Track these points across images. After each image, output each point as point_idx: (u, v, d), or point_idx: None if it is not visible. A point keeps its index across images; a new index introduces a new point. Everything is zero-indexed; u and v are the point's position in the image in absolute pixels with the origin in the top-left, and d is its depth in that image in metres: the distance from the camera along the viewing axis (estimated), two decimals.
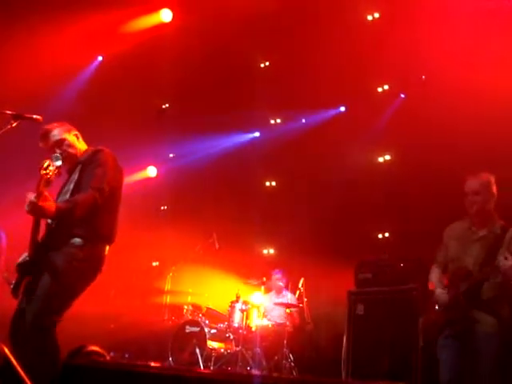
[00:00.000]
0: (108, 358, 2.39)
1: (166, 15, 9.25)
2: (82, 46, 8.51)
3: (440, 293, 4.42)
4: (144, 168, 10.13)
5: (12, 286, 3.91)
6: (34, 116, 4.10)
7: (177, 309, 8.31)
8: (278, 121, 9.76)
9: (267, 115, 9.71)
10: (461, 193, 4.50)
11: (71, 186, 3.98)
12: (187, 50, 8.99)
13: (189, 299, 8.23)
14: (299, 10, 8.26)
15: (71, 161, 4.15)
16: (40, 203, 3.58)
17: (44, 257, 3.84)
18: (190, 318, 7.86)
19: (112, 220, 4.12)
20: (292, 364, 7.33)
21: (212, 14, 8.48)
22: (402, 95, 8.38)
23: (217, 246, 8.38)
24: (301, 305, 7.77)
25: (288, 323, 7.62)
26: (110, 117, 8.88)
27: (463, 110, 7.13)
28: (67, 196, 3.95)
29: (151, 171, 10.23)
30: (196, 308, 8.04)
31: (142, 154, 9.46)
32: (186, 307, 8.11)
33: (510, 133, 6.43)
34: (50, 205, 3.65)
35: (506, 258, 4.06)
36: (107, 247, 4.06)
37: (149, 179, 10.14)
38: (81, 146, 4.26)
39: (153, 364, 2.48)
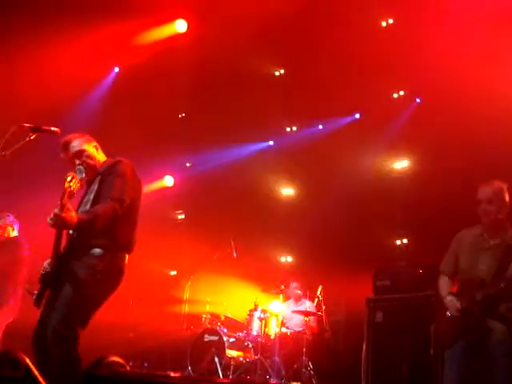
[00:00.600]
0: (128, 368, 2.40)
1: (180, 26, 9.31)
2: (99, 58, 8.60)
3: (450, 300, 4.39)
4: (161, 177, 10.19)
5: (34, 297, 3.95)
6: (52, 128, 4.15)
7: (195, 318, 8.32)
8: (294, 129, 9.77)
9: (283, 123, 9.73)
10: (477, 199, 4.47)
11: (91, 197, 4.00)
12: (202, 59, 9.04)
13: (207, 308, 8.24)
14: (313, 18, 8.28)
15: (91, 172, 4.18)
16: (63, 214, 3.63)
17: (65, 267, 3.88)
18: (209, 326, 7.86)
19: (131, 230, 4.14)
20: (311, 372, 7.29)
21: (226, 24, 8.52)
22: (418, 100, 8.35)
23: (235, 254, 8.38)
24: (319, 313, 7.75)
25: (307, 331, 7.59)
26: (126, 127, 8.94)
27: (480, 115, 7.09)
28: (87, 207, 3.98)
29: (168, 180, 10.28)
30: (214, 317, 8.04)
31: (158, 163, 9.52)
32: (204, 316, 8.11)
33: None
34: (72, 216, 3.69)
35: None
36: (127, 256, 4.10)
37: (166, 188, 10.20)
38: (100, 157, 4.30)
39: (172, 374, 2.49)
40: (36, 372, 2.23)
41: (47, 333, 3.71)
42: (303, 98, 8.86)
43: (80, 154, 4.18)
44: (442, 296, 4.49)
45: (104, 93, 9.20)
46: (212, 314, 8.09)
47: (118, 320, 7.61)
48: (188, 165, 10.48)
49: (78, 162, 4.13)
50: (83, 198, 4.16)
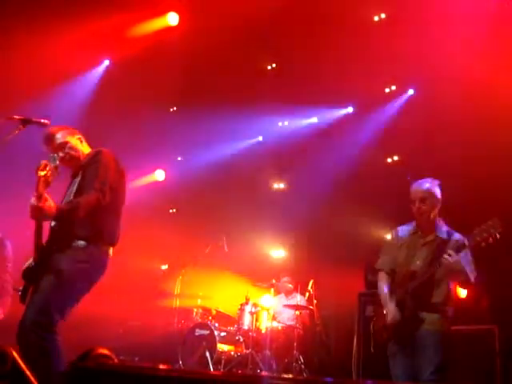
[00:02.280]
0: (116, 360, 2.38)
1: (172, 19, 9.24)
2: (89, 50, 8.52)
3: (391, 310, 4.42)
4: (152, 171, 10.16)
5: (20, 293, 3.92)
6: (42, 120, 4.11)
7: (186, 312, 8.32)
8: (286, 123, 9.75)
9: (275, 117, 9.71)
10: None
11: (74, 188, 3.97)
12: (194, 53, 8.98)
13: (198, 302, 8.24)
14: (305, 11, 8.24)
15: (74, 163, 4.16)
16: (40, 204, 3.57)
17: (48, 259, 3.84)
18: (200, 321, 7.86)
19: (115, 221, 4.10)
20: (302, 366, 7.31)
21: (218, 17, 8.47)
22: (410, 95, 8.36)
23: (226, 248, 8.37)
24: (310, 307, 7.76)
25: (298, 325, 7.60)
26: (117, 120, 8.89)
27: (472, 108, 7.11)
28: (71, 198, 3.94)
29: (159, 174, 10.25)
30: (206, 311, 8.04)
31: (149, 157, 9.48)
32: (195, 310, 8.12)
33: None
34: (51, 206, 3.64)
35: (449, 255, 4.18)
36: (111, 249, 4.05)
37: (157, 183, 10.17)
38: (84, 149, 4.26)
39: (161, 366, 2.48)
40: (23, 366, 2.21)
41: (26, 324, 3.68)
42: (296, 92, 8.83)
43: (63, 145, 4.14)
44: (383, 298, 4.52)
45: (94, 85, 9.13)
46: (203, 309, 8.09)
47: (108, 314, 7.60)
48: (179, 159, 10.45)
49: (61, 154, 4.07)
50: (67, 190, 4.12)
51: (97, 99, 8.99)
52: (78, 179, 4.01)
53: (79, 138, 4.26)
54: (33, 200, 3.58)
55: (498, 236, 4.11)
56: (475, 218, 4.44)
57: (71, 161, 4.14)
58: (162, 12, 9.25)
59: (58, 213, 3.69)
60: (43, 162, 3.67)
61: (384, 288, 4.57)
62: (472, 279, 4.33)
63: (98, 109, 8.84)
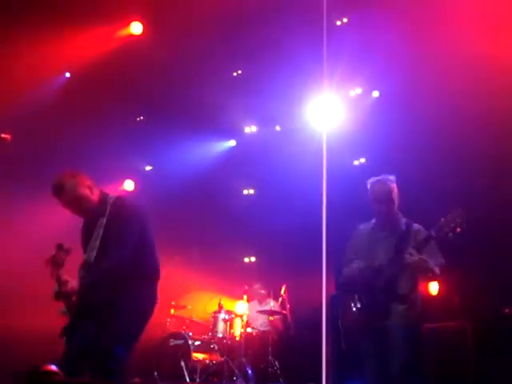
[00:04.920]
0: (62, 377, 2.37)
1: (136, 28, 9.18)
2: (51, 61, 8.38)
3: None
4: (121, 182, 10.06)
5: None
6: (3, 135, 4.05)
7: (160, 322, 8.24)
8: (253, 129, 9.76)
9: (242, 123, 9.71)
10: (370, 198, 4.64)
11: (97, 243, 4.01)
12: (159, 61, 8.94)
13: (172, 312, 8.17)
14: (268, 17, 8.27)
15: (86, 214, 4.19)
16: (62, 290, 3.73)
17: None
18: (174, 330, 7.81)
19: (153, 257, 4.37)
20: (278, 371, 7.30)
21: (183, 25, 8.45)
22: (375, 98, 8.44)
23: (197, 257, 8.35)
24: (284, 311, 7.76)
25: (272, 331, 7.59)
26: (84, 132, 8.80)
27: (436, 109, 7.22)
28: (94, 253, 3.99)
29: (128, 185, 10.16)
30: (179, 320, 7.99)
31: (118, 167, 9.39)
32: (168, 320, 8.06)
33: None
34: (73, 288, 3.79)
35: (411, 254, 4.27)
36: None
37: (126, 192, 10.07)
38: (94, 196, 4.19)
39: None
40: None
41: None
42: (262, 97, 8.84)
43: (75, 199, 4.10)
44: (354, 268, 4.57)
45: (56, 97, 8.99)
46: (177, 318, 8.04)
47: None
48: (148, 168, 10.39)
49: (73, 208, 4.12)
50: (89, 239, 4.12)
51: (61, 111, 8.86)
52: (100, 231, 4.04)
53: (89, 187, 4.17)
54: (56, 287, 3.73)
55: (464, 225, 4.20)
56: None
57: (84, 213, 4.17)
58: (126, 21, 9.18)
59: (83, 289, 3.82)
60: (59, 245, 3.83)
61: (351, 269, 4.61)
62: (438, 271, 4.40)
63: (64, 121, 8.73)
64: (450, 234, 4.22)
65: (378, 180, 4.65)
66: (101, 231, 4.04)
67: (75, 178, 4.13)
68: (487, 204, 6.66)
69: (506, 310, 6.30)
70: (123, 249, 3.97)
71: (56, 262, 3.69)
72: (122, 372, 3.89)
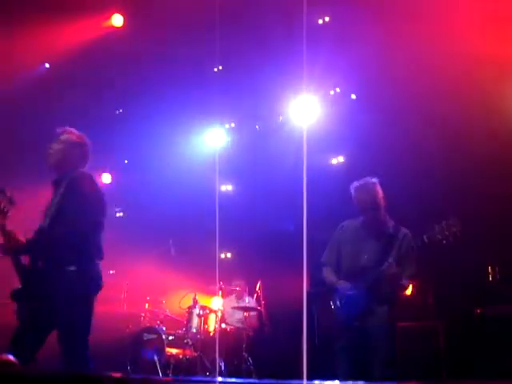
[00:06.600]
0: (19, 367, 2.29)
1: (116, 20, 9.12)
2: (29, 53, 8.29)
3: (343, 283, 4.52)
4: (99, 175, 9.97)
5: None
6: None
7: (134, 317, 8.20)
8: (233, 125, 9.74)
9: (221, 120, 9.68)
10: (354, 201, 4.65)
11: (53, 210, 4.01)
12: (140, 54, 8.89)
13: (146, 306, 8.14)
14: (249, 14, 8.27)
15: (59, 168, 4.21)
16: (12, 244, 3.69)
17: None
18: (148, 325, 7.78)
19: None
20: (251, 367, 7.32)
21: (164, 18, 8.41)
22: (353, 97, 8.48)
23: (173, 252, 8.31)
24: (259, 307, 7.77)
25: (247, 327, 7.60)
26: (62, 122, 8.67)
27: (413, 110, 7.28)
28: (47, 220, 3.99)
29: (105, 178, 10.09)
30: (153, 315, 7.96)
31: (95, 160, 9.28)
32: (143, 315, 8.02)
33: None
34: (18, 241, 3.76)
35: (390, 265, 4.31)
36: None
37: (103, 186, 9.98)
38: (75, 160, 4.27)
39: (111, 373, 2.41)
40: None
41: None
42: (242, 94, 8.84)
43: (62, 152, 4.22)
44: (333, 281, 4.61)
45: (35, 88, 8.88)
46: (151, 312, 8.01)
47: None
48: (126, 162, 10.32)
49: (51, 149, 4.19)
50: (51, 199, 4.13)
51: (39, 101, 8.77)
52: (56, 199, 4.03)
53: (80, 151, 4.29)
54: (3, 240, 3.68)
55: (458, 234, 4.23)
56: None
57: (57, 163, 4.22)
58: (107, 13, 9.11)
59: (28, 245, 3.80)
60: None
61: (330, 277, 4.63)
62: (407, 285, 4.47)
63: (42, 112, 8.63)
64: (444, 242, 4.24)
65: (361, 186, 4.60)
66: (57, 199, 4.07)
67: (73, 134, 4.32)
68: (462, 202, 6.72)
69: (478, 311, 6.38)
70: (71, 223, 3.97)
71: (1, 212, 3.61)
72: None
